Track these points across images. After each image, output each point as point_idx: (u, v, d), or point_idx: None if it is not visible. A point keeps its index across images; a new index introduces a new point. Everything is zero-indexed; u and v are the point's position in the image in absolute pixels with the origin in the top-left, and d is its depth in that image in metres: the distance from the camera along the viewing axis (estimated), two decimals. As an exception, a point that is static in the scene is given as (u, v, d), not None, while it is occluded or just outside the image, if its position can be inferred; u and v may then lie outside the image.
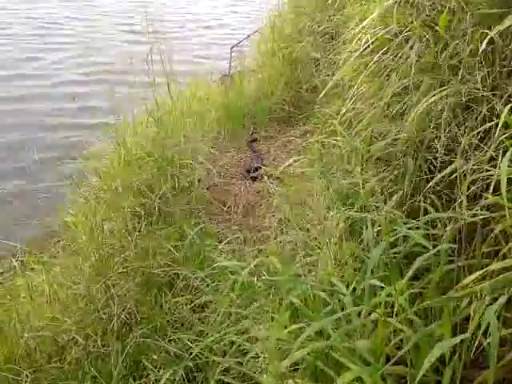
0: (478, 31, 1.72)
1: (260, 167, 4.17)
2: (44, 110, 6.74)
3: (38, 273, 2.95)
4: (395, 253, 1.69)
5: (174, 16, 10.93)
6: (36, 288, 2.72)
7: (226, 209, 3.58)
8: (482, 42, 1.62)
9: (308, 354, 1.41)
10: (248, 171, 4.20)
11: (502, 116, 1.38)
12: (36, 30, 10.05)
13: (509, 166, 1.42)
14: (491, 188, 1.48)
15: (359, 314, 1.51)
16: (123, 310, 2.33)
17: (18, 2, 11.64)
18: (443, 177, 1.75)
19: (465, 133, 1.76)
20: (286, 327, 1.60)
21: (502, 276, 1.25)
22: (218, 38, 10.41)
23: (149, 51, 3.69)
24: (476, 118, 1.74)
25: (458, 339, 1.20)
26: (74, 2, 12.66)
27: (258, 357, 1.73)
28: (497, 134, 1.39)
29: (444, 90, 1.81)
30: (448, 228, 1.57)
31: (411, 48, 2.06)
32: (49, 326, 2.37)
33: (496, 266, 1.34)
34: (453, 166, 1.63)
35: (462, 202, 1.51)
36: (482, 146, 1.64)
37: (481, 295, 1.31)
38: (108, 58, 8.20)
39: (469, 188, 1.59)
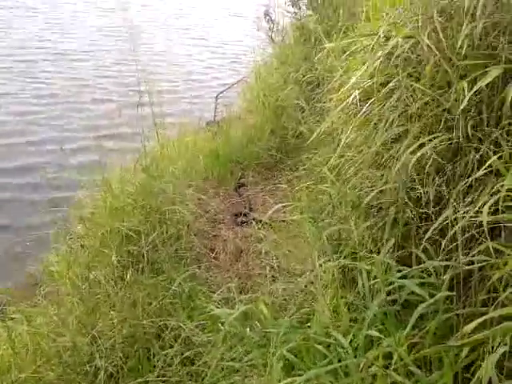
0: (463, 82, 1.78)
1: (248, 213, 4.17)
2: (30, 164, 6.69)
3: (19, 323, 2.85)
4: (391, 301, 1.67)
5: (159, 63, 11.15)
6: (17, 339, 2.62)
7: (214, 255, 3.55)
8: (469, 92, 1.67)
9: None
10: (236, 216, 4.18)
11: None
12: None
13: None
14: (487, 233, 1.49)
15: (357, 366, 1.48)
16: (110, 363, 2.25)
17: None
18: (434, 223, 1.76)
19: (453, 180, 1.80)
20: (279, 381, 1.55)
21: (502, 325, 1.24)
22: (204, 86, 10.60)
23: (138, 98, 3.75)
24: (465, 166, 1.77)
25: None
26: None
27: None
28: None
29: (431, 139, 1.84)
30: (445, 277, 1.56)
31: (398, 99, 2.12)
32: (31, 380, 2.27)
33: (495, 313, 1.34)
34: (444, 215, 1.64)
35: (457, 249, 1.51)
36: (472, 192, 1.66)
37: (481, 343, 1.29)
38: (96, 111, 8.27)
39: (462, 235, 1.60)
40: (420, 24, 1.91)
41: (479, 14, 1.62)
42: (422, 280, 1.61)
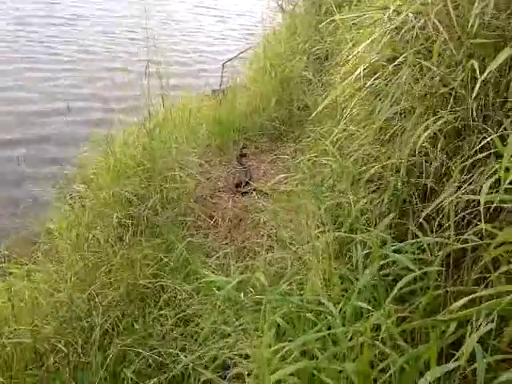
0: (473, 62, 1.76)
1: (249, 182, 4.18)
2: (34, 115, 6.68)
3: (18, 278, 2.91)
4: (384, 275, 1.70)
5: (167, 31, 10.98)
6: (16, 293, 2.68)
7: (213, 222, 3.58)
8: (481, 73, 1.66)
9: (294, 374, 1.40)
10: (237, 185, 4.20)
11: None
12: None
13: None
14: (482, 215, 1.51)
15: (346, 336, 1.52)
16: (106, 320, 2.30)
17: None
18: (433, 201, 1.78)
19: (455, 161, 1.80)
20: (270, 346, 1.60)
21: (489, 302, 1.27)
22: (210, 54, 10.48)
23: (146, 64, 3.73)
24: (468, 147, 1.78)
25: (451, 365, 1.20)
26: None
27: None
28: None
29: (436, 119, 1.84)
30: (438, 253, 1.58)
31: (404, 76, 2.10)
32: (28, 333, 2.33)
33: (484, 292, 1.36)
34: (443, 195, 1.65)
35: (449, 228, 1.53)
36: (473, 173, 1.67)
37: (468, 321, 1.32)
38: (103, 71, 8.19)
39: (457, 215, 1.62)
40: (430, 0, 1.88)
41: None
42: (414, 256, 1.63)
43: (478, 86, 1.56)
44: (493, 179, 1.40)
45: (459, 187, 1.58)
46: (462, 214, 1.61)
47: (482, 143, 1.58)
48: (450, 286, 1.64)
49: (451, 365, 1.18)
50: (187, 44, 10.98)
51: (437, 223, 1.72)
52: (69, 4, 13.03)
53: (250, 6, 13.42)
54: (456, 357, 1.21)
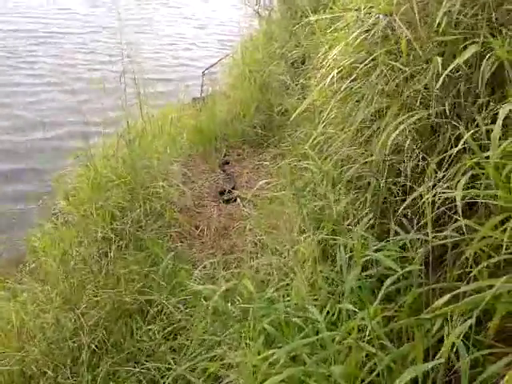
0: (437, 58, 1.78)
1: (233, 190, 4.18)
2: (12, 135, 6.61)
3: (3, 299, 2.87)
4: (368, 276, 1.71)
5: (145, 40, 10.97)
6: (2, 316, 2.64)
7: (198, 232, 3.56)
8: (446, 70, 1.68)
9: (283, 381, 1.40)
10: (221, 194, 4.19)
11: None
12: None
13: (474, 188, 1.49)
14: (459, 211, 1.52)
15: (333, 340, 1.52)
16: (93, 339, 2.27)
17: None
18: (413, 200, 1.79)
19: (431, 158, 1.82)
20: (259, 353, 1.59)
21: (471, 298, 1.27)
22: (190, 62, 10.47)
23: (121, 73, 3.70)
24: (442, 144, 1.79)
25: (431, 364, 1.21)
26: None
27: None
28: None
29: (409, 116, 1.86)
30: (419, 250, 1.59)
31: (377, 77, 2.12)
32: (15, 357, 2.29)
33: (467, 287, 1.37)
34: (419, 190, 1.67)
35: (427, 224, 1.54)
36: (448, 169, 1.69)
37: (451, 318, 1.33)
38: (80, 81, 8.14)
39: (435, 211, 1.63)
40: (396, 1, 1.90)
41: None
42: (394, 254, 1.64)
43: (440, 80, 1.59)
44: (467, 176, 1.42)
45: (435, 184, 1.59)
46: (441, 210, 1.62)
47: (453, 140, 1.59)
48: (434, 283, 1.65)
49: (430, 363, 1.19)
50: (166, 53, 10.97)
51: (416, 221, 1.73)
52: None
53: (228, 13, 13.49)
54: (439, 354, 1.21)
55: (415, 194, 1.68)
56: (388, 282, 1.50)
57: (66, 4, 13.75)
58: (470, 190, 1.41)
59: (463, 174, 1.45)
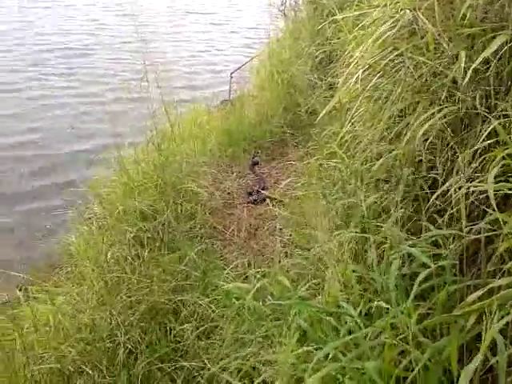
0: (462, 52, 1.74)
1: (262, 190, 4.19)
2: (46, 141, 6.81)
3: (42, 302, 2.95)
4: (402, 275, 1.69)
5: (174, 46, 11.13)
6: (40, 318, 2.72)
7: (228, 233, 3.59)
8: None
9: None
10: (250, 194, 4.21)
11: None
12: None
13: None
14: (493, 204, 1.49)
15: (366, 337, 1.51)
16: (128, 339, 2.32)
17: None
18: (443, 195, 1.76)
19: (461, 151, 1.78)
20: (292, 351, 1.59)
21: (503, 292, 1.24)
22: (218, 65, 10.56)
23: (145, 78, 3.76)
24: (474, 137, 1.76)
25: (475, 363, 1.18)
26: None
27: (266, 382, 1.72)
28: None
29: (439, 110, 1.82)
30: (451, 246, 1.57)
31: (405, 72, 2.09)
32: (54, 356, 2.35)
33: (501, 282, 1.34)
34: (447, 183, 1.64)
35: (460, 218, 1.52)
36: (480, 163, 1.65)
37: (490, 313, 1.30)
38: (107, 87, 8.32)
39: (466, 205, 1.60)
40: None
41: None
42: (427, 250, 1.61)
43: (468, 74, 1.56)
44: (497, 168, 1.39)
45: (469, 178, 1.56)
46: (473, 204, 1.59)
47: (485, 133, 1.56)
48: (468, 280, 1.62)
49: (473, 363, 1.16)
50: (195, 58, 11.11)
51: (448, 217, 1.69)
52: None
53: (254, 16, 13.51)
54: (481, 351, 1.19)
55: (444, 187, 1.65)
56: (420, 276, 1.48)
57: (95, 16, 13.98)
58: (500, 184, 1.38)
59: (494, 167, 1.41)
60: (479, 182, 1.51)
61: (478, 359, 1.18)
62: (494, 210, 1.47)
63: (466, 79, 1.63)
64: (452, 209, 1.62)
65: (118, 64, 9.94)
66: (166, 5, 15.22)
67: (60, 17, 13.41)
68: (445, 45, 1.77)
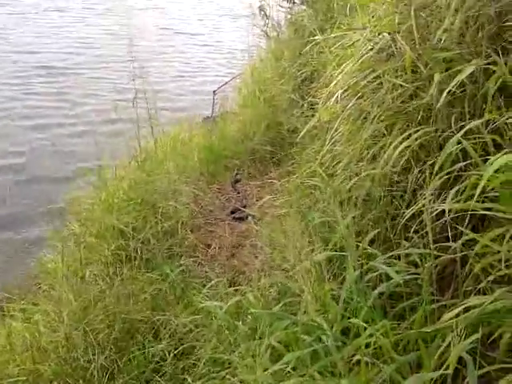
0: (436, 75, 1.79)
1: (243, 208, 4.20)
2: (26, 158, 6.74)
3: (18, 320, 2.90)
4: (379, 294, 1.70)
5: (156, 62, 11.16)
6: (16, 336, 2.67)
7: (210, 250, 3.58)
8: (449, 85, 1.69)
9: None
10: (232, 212, 4.21)
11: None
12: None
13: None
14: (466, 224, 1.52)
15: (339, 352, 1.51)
16: (105, 358, 2.28)
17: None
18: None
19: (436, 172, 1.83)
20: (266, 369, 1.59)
21: (473, 311, 1.27)
22: (201, 84, 10.61)
23: (134, 96, 3.77)
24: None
25: (435, 374, 1.20)
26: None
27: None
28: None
29: (415, 131, 1.87)
30: (426, 265, 1.59)
31: (384, 93, 2.14)
32: (29, 375, 2.31)
33: (475, 301, 1.36)
34: (419, 204, 1.67)
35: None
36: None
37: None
38: (90, 105, 8.29)
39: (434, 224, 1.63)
40: (397, 20, 1.93)
41: (453, 7, 1.64)
42: (403, 269, 1.64)
43: (443, 96, 1.60)
44: (457, 187, 1.43)
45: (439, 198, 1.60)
46: (447, 223, 1.62)
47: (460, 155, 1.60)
48: (445, 299, 1.64)
49: (434, 373, 1.18)
50: (177, 73, 11.14)
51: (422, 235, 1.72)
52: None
53: (236, 35, 13.65)
54: (445, 365, 1.21)
55: (414, 208, 1.69)
56: (383, 286, 1.49)
57: (80, 34, 13.88)
58: (466, 203, 1.41)
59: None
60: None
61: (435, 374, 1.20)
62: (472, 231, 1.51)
63: (441, 101, 1.67)
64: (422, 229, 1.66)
65: (103, 83, 9.88)
66: (153, 24, 15.28)
67: (44, 35, 13.30)
68: (422, 68, 1.81)
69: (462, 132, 1.53)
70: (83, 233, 3.47)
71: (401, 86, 2.13)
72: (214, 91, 8.31)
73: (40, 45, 12.08)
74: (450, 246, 1.61)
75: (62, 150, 6.79)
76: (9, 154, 6.67)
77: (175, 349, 2.32)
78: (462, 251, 1.58)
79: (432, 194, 1.58)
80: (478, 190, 1.26)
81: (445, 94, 1.59)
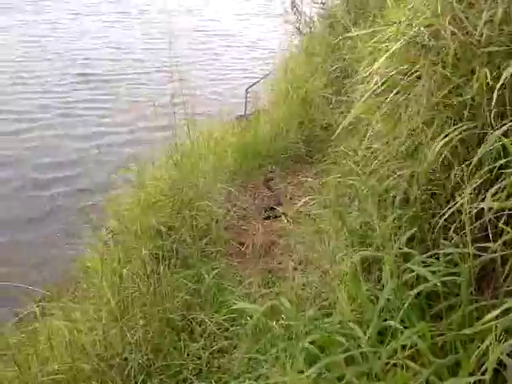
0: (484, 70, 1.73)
1: (277, 207, 4.18)
2: (66, 155, 6.92)
3: (58, 318, 2.97)
4: (417, 294, 1.66)
5: (192, 64, 11.26)
6: (56, 333, 2.73)
7: (243, 249, 3.58)
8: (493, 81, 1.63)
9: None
10: (265, 210, 4.20)
11: None
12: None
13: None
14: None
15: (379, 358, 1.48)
16: (141, 356, 2.31)
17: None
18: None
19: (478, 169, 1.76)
20: (303, 372, 1.57)
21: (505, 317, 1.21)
22: (234, 82, 10.63)
23: (171, 96, 3.82)
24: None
25: (473, 379, 1.16)
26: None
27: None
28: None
29: (455, 128, 1.80)
30: (465, 265, 1.54)
31: (422, 87, 2.08)
32: (68, 372, 2.36)
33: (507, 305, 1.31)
34: (458, 203, 1.62)
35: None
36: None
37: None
38: (126, 101, 8.43)
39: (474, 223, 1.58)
40: (440, 11, 1.86)
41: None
42: (442, 269, 1.59)
43: (495, 95, 1.53)
44: (497, 185, 1.38)
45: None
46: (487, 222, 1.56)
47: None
48: (485, 299, 1.58)
49: (472, 378, 1.14)
50: (212, 74, 11.21)
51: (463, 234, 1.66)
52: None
53: (269, 33, 13.60)
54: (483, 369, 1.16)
55: (453, 207, 1.63)
56: (420, 287, 1.45)
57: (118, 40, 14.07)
58: (506, 202, 1.35)
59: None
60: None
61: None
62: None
63: (494, 98, 1.59)
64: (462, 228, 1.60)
65: (143, 89, 9.96)
66: (189, 27, 15.36)
67: (80, 41, 13.51)
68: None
69: (502, 129, 1.46)
70: (122, 231, 3.52)
71: (443, 79, 2.06)
72: (246, 89, 8.30)
73: (78, 51, 12.27)
74: (490, 246, 1.56)
75: (105, 158, 6.87)
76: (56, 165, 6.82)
77: (210, 347, 2.33)
78: (503, 250, 1.52)
79: (471, 193, 1.52)
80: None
81: (497, 88, 1.52)
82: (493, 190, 1.38)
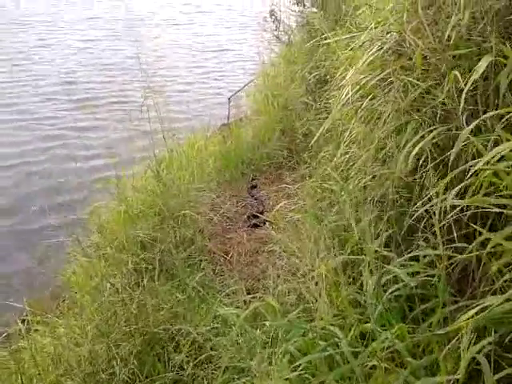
0: (454, 72, 1.76)
1: (260, 214, 4.19)
2: (46, 171, 6.88)
3: (42, 334, 2.94)
4: (396, 296, 1.68)
5: (167, 70, 11.28)
6: (41, 350, 2.71)
7: (228, 258, 3.58)
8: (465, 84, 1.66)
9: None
10: (249, 218, 4.21)
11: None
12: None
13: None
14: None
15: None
16: (127, 371, 2.30)
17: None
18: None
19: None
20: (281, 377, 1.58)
21: (483, 313, 1.24)
22: (215, 91, 10.67)
23: (144, 106, 3.80)
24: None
25: (447, 377, 1.18)
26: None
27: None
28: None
29: (428, 132, 1.84)
30: (440, 266, 1.56)
31: (394, 93, 2.12)
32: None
33: (492, 301, 1.33)
34: (426, 203, 1.65)
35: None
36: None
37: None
38: (102, 114, 8.42)
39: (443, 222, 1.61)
40: (405, 18, 1.91)
41: (462, 3, 1.62)
42: (412, 269, 1.61)
43: (463, 97, 1.57)
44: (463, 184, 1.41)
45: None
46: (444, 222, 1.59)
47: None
48: (464, 300, 1.61)
49: (446, 377, 1.16)
50: (189, 82, 11.23)
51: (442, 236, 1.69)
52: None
53: (248, 41, 13.70)
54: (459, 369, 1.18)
55: (419, 208, 1.66)
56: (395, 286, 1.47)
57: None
58: (471, 199, 1.38)
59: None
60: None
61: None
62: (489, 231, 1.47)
63: (462, 100, 1.63)
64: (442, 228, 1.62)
65: (120, 97, 9.95)
66: (166, 38, 15.38)
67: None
68: (436, 63, 1.78)
69: (470, 127, 1.49)
70: (104, 245, 3.51)
71: (411, 84, 2.10)
72: (228, 98, 8.34)
73: (59, 69, 12.21)
74: (468, 246, 1.58)
75: (80, 161, 6.87)
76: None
77: (195, 358, 2.32)
78: (479, 250, 1.55)
79: (437, 194, 1.55)
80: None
81: (464, 92, 1.56)
82: (456, 189, 1.41)
